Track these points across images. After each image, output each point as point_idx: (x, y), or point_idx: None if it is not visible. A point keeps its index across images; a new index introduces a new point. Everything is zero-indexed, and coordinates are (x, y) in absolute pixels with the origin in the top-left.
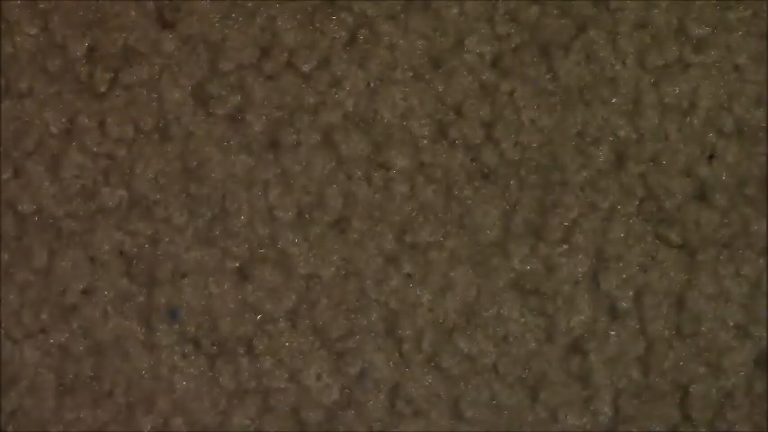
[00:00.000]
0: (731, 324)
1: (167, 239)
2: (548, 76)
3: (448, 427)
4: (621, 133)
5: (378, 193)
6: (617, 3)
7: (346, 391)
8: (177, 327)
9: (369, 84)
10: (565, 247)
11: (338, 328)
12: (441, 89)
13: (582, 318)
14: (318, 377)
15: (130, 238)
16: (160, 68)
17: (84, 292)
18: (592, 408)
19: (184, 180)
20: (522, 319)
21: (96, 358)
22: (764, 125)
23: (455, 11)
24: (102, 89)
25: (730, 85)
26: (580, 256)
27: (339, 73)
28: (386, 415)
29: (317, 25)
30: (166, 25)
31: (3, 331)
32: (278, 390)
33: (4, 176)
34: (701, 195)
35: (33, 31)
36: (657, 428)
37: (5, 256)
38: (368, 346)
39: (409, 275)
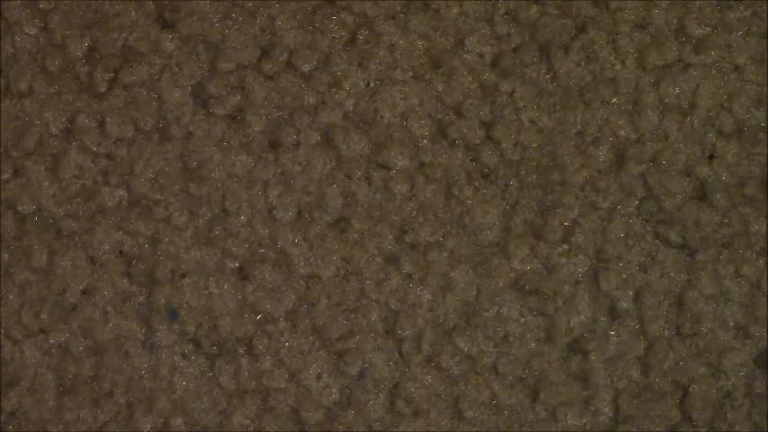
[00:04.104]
0: (731, 324)
1: (167, 239)
2: (548, 76)
3: (448, 427)
4: (621, 133)
5: (378, 193)
6: (617, 3)
7: (346, 391)
8: (177, 327)
9: (369, 84)
10: (565, 247)
11: (338, 328)
12: (441, 89)
13: (582, 318)
14: (318, 377)
15: (130, 238)
16: (160, 68)
17: (84, 292)
18: (592, 408)
19: (184, 180)
20: (522, 319)
21: (96, 358)
22: (764, 125)
23: (455, 11)
24: (102, 89)
25: (730, 85)
26: (580, 256)
27: (339, 73)
28: (386, 415)
29: (317, 25)
30: (166, 25)
31: (3, 331)
32: (278, 390)
33: (4, 176)
34: (701, 195)
35: (33, 31)
36: (657, 428)
37: (5, 256)
38: (368, 346)
39: (409, 275)
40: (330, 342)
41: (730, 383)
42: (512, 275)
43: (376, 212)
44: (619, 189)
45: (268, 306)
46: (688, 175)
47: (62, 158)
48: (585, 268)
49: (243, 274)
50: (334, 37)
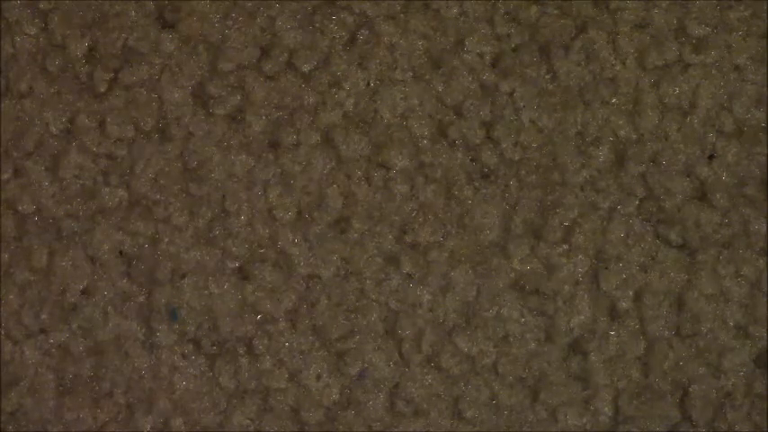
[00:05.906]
0: (731, 324)
1: (167, 239)
2: (548, 76)
3: (448, 427)
4: (621, 133)
5: (378, 193)
6: (617, 3)
7: (346, 391)
8: (177, 327)
9: (369, 84)
10: (565, 247)
11: (338, 328)
12: (441, 89)
13: (582, 318)
14: (318, 377)
15: (130, 238)
16: (160, 68)
17: (84, 292)
18: (592, 408)
19: (184, 180)
20: (522, 319)
21: (96, 358)
22: (764, 125)
23: (455, 11)
24: (102, 89)
25: (730, 85)
26: (580, 256)
27: (339, 73)
28: (386, 415)
29: (317, 25)
30: (166, 25)
31: (3, 331)
32: (278, 390)
33: (4, 176)
34: (701, 195)
35: (33, 31)
36: (657, 428)
37: (5, 256)
38: (368, 346)
39: (409, 275)
40: (330, 342)
41: (730, 383)
42: (512, 275)
43: (376, 212)
44: (619, 189)
45: (268, 306)
46: (688, 175)
47: (62, 158)
48: (585, 268)
49: (243, 274)
50: (334, 37)
